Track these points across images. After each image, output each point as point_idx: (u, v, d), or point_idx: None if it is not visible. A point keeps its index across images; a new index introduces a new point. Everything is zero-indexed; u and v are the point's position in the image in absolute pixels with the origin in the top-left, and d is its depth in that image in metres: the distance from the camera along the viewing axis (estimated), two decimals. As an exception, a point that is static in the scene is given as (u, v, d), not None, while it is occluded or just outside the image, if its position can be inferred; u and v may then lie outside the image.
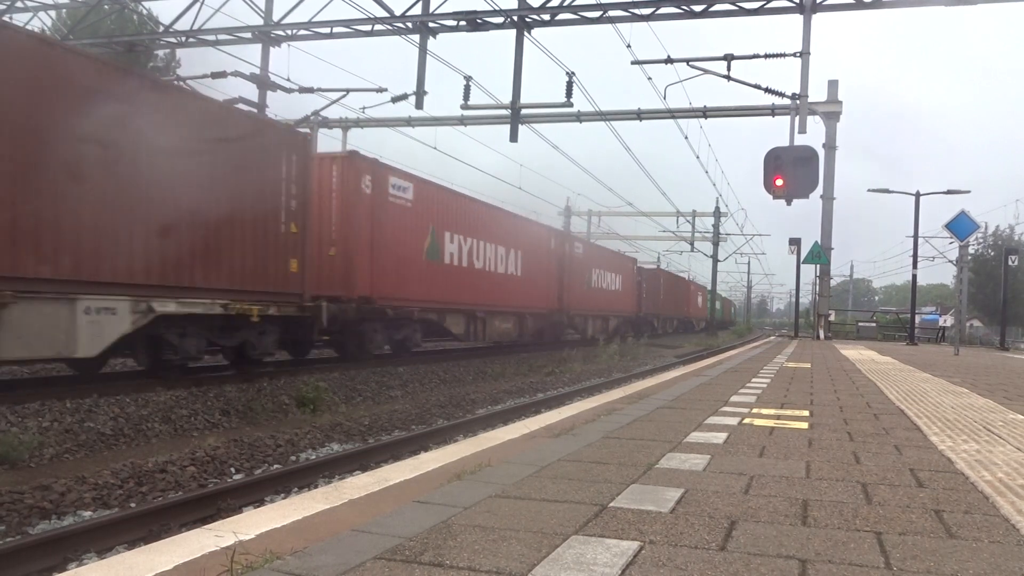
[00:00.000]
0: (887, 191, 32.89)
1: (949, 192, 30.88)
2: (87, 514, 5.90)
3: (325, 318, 13.11)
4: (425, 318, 17.21)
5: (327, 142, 23.24)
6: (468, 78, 18.75)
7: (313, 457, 8.30)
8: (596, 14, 16.01)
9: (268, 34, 17.99)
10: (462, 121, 22.04)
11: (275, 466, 7.84)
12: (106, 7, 20.94)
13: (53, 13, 21.10)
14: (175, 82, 16.61)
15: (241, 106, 15.80)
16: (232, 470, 7.58)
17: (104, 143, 9.13)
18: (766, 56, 17.11)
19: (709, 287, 56.94)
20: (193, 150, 10.40)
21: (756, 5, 15.51)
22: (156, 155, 9.70)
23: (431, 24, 16.64)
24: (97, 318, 8.76)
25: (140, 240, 9.55)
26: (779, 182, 16.25)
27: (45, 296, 8.26)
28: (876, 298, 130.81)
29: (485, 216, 20.06)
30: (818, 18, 15.84)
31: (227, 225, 10.97)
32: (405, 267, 15.84)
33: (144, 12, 21.28)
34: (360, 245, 14.26)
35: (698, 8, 15.69)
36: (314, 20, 17.53)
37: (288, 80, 18.92)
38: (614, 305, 33.05)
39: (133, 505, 6.19)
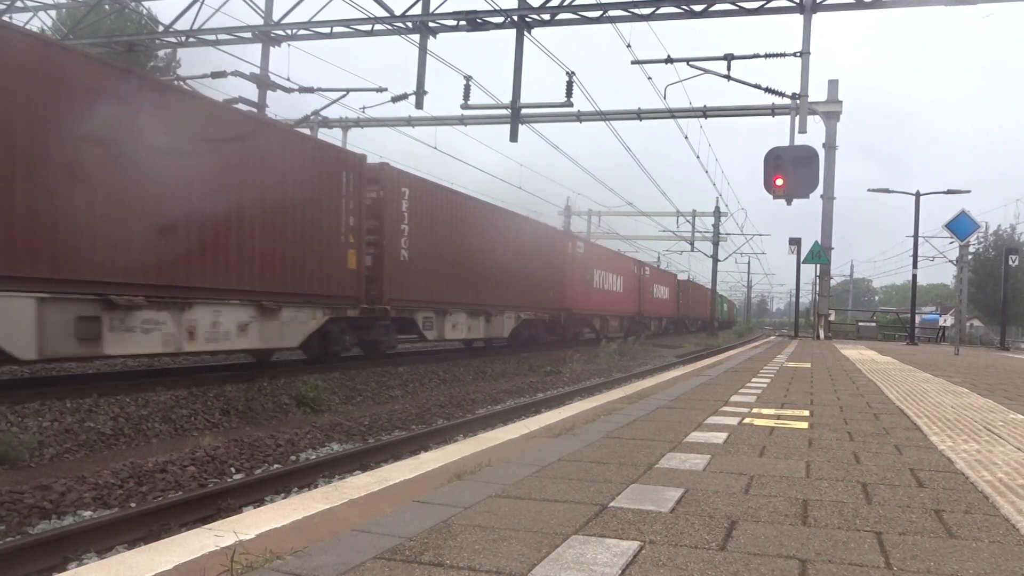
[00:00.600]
0: (887, 191, 32.91)
1: (949, 192, 30.88)
2: (87, 514, 5.89)
3: (564, 319, 25.98)
4: (588, 318, 29.77)
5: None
6: (468, 78, 18.75)
7: (313, 457, 8.30)
8: (596, 14, 16.01)
9: (268, 34, 17.99)
10: (462, 121, 22.05)
11: (275, 466, 7.84)
12: (106, 7, 20.95)
13: (53, 13, 21.10)
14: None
15: (241, 106, 15.80)
16: (232, 470, 7.58)
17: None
18: (766, 56, 17.11)
19: (709, 287, 56.98)
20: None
21: (756, 5, 15.51)
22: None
23: (431, 24, 16.64)
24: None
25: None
26: (779, 182, 16.25)
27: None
28: (876, 298, 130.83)
29: (607, 256, 33.37)
30: (818, 18, 15.85)
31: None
32: (580, 289, 27.42)
33: (144, 12, 21.29)
34: (565, 280, 25.56)
35: (698, 8, 15.69)
36: (314, 20, 17.53)
37: (288, 80, 18.94)
38: (665, 310, 46.52)
39: (133, 505, 6.19)
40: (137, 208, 9.32)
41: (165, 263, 9.68)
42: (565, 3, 16.05)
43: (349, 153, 14.44)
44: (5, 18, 17.96)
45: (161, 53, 24.25)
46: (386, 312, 14.73)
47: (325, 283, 12.91)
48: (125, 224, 9.16)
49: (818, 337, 27.71)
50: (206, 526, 2.52)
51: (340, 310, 13.42)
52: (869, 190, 38.68)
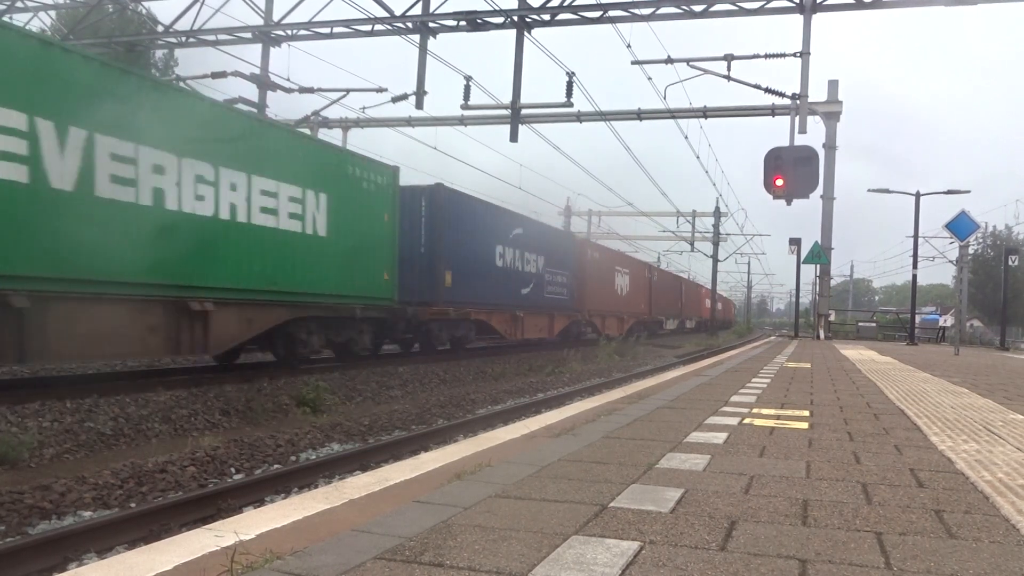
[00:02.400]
0: (887, 191, 32.89)
1: (949, 192, 30.89)
2: (87, 514, 5.89)
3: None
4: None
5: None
6: (468, 78, 18.75)
7: (313, 457, 8.29)
8: (596, 14, 16.01)
9: (268, 34, 17.99)
10: (462, 121, 22.05)
11: (275, 466, 7.83)
12: (109, 8, 20.94)
13: (53, 13, 21.10)
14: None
15: (241, 106, 15.82)
16: (232, 470, 7.57)
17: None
18: (766, 56, 17.12)
19: (709, 287, 56.97)
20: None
21: (756, 5, 15.51)
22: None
23: (431, 24, 16.64)
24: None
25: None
26: (779, 182, 16.26)
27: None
28: (876, 298, 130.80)
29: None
30: (818, 18, 15.85)
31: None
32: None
33: (144, 12, 21.29)
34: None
35: (698, 8, 15.69)
36: (314, 20, 17.53)
37: (288, 80, 18.95)
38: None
39: (133, 505, 6.18)
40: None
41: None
42: (565, 3, 16.06)
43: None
44: (5, 18, 17.96)
45: (159, 54, 24.25)
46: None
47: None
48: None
49: (818, 337, 27.71)
50: (206, 526, 2.52)
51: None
52: (869, 190, 38.71)
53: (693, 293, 56.69)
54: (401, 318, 15.78)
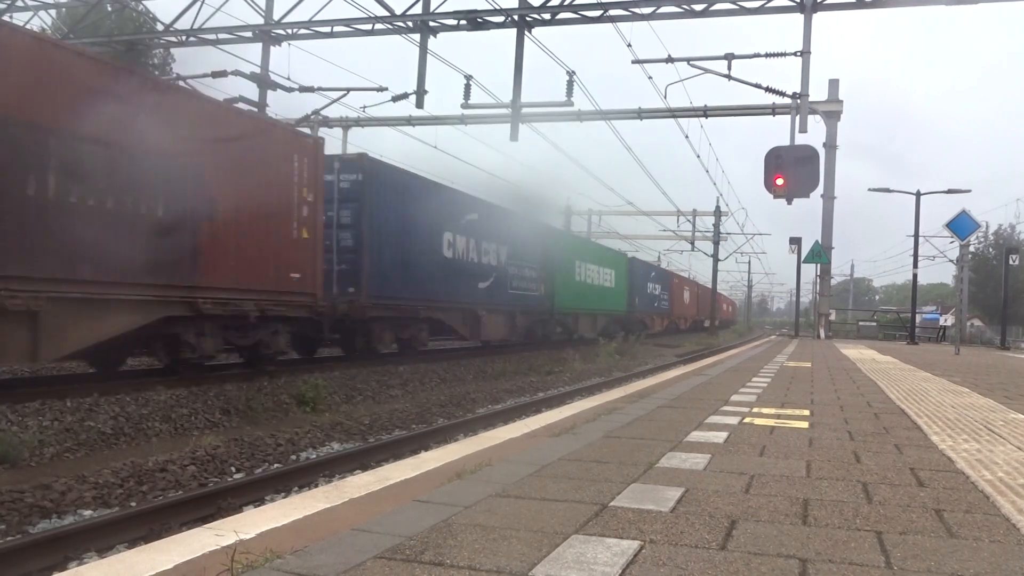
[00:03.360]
0: (888, 190, 32.88)
1: (950, 191, 30.88)
2: (87, 513, 5.89)
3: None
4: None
5: (328, 142, 23.18)
6: (469, 77, 18.74)
7: (313, 456, 8.30)
8: (597, 13, 15.99)
9: (268, 33, 17.98)
10: (463, 120, 22.01)
11: (275, 465, 7.84)
12: (108, 7, 20.94)
13: (53, 12, 21.08)
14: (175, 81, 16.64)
15: (242, 105, 15.80)
16: (232, 469, 7.58)
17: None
18: (767, 55, 17.09)
19: (709, 286, 56.99)
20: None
21: (757, 4, 15.49)
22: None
23: (431, 23, 16.62)
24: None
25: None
26: (780, 181, 16.23)
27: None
28: (876, 297, 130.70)
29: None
30: (819, 17, 15.83)
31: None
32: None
33: (144, 11, 21.28)
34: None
35: (699, 7, 15.67)
36: (314, 19, 17.51)
37: (288, 79, 18.92)
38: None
39: (133, 504, 6.19)
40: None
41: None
42: (566, 2, 16.04)
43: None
44: (5, 18, 17.95)
45: (156, 52, 24.24)
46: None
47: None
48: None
49: (819, 336, 27.71)
50: (206, 525, 2.52)
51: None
52: (869, 189, 38.56)
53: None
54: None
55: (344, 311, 13.84)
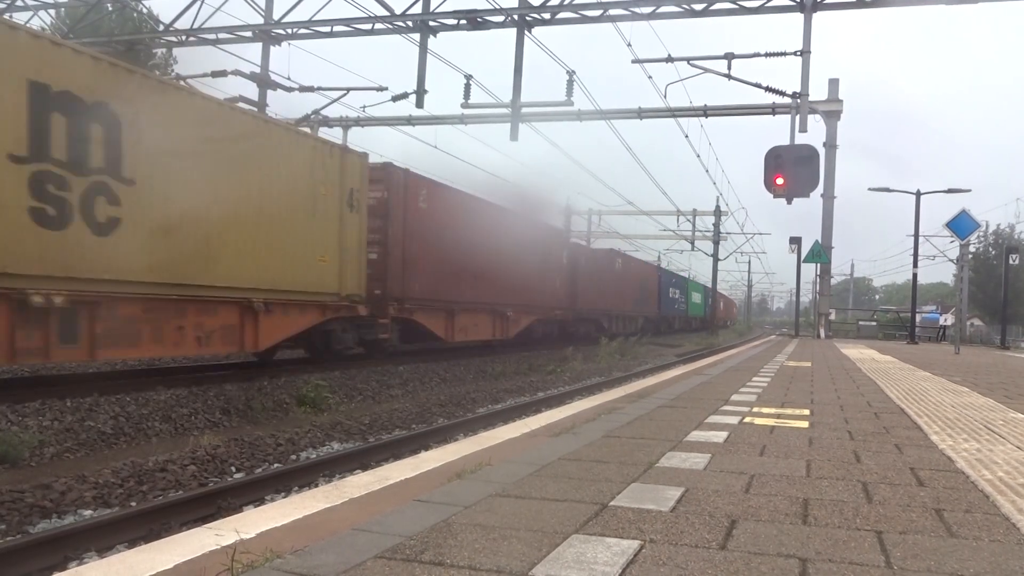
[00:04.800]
0: (888, 190, 32.89)
1: (950, 191, 30.86)
2: (88, 513, 5.89)
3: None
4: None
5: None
6: (469, 77, 18.75)
7: (313, 456, 8.30)
8: (597, 13, 15.99)
9: (268, 33, 17.98)
10: (462, 120, 22.00)
11: (275, 465, 7.84)
12: (108, 7, 20.93)
13: (53, 11, 21.09)
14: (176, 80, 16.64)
15: (243, 105, 15.80)
16: (232, 469, 7.57)
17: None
18: (767, 55, 17.10)
19: (710, 285, 57.03)
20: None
21: (757, 4, 15.49)
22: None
23: (431, 23, 16.63)
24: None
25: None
26: (780, 181, 16.24)
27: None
28: (876, 297, 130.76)
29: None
30: (820, 16, 15.84)
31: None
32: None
33: (144, 11, 21.28)
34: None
35: (698, 7, 15.67)
36: (314, 19, 17.52)
37: (288, 79, 18.94)
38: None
39: (134, 504, 6.19)
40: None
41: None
42: (566, 2, 16.04)
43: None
44: (5, 16, 17.94)
45: (158, 52, 24.23)
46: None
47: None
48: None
49: (818, 336, 27.71)
50: (206, 525, 2.52)
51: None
52: (870, 189, 38.43)
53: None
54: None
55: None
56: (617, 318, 32.81)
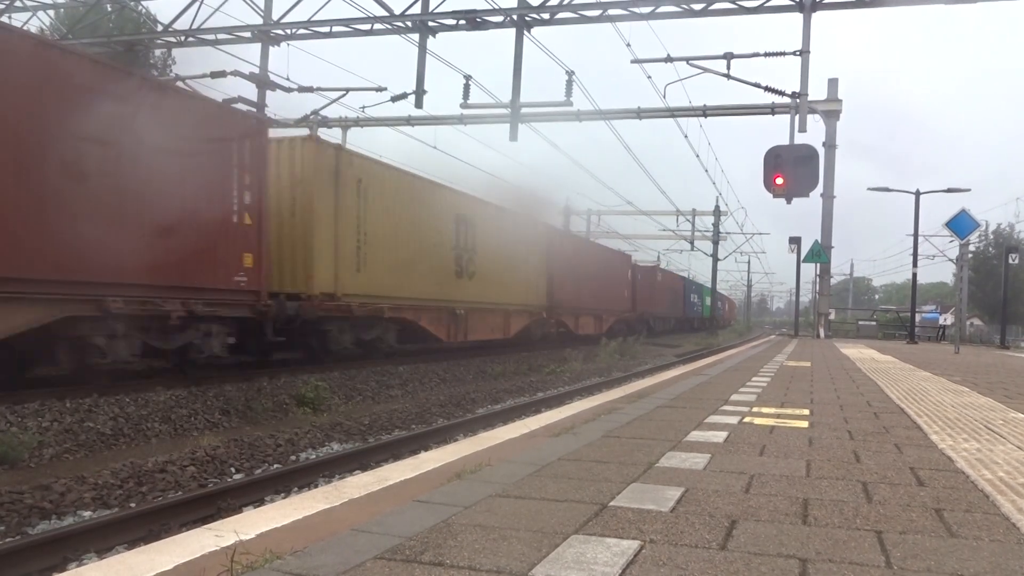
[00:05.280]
0: (887, 189, 32.90)
1: (949, 191, 30.87)
2: (87, 514, 5.89)
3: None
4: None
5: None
6: (468, 77, 18.75)
7: (313, 457, 8.30)
8: (596, 13, 15.99)
9: (267, 33, 17.98)
10: (462, 120, 21.99)
11: (275, 466, 7.84)
12: (108, 8, 20.92)
13: (52, 12, 21.08)
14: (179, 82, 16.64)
15: (241, 105, 15.80)
16: (232, 470, 7.57)
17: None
18: (766, 55, 17.10)
19: (709, 285, 57.10)
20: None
21: (756, 3, 15.49)
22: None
23: (431, 23, 16.62)
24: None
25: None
26: (779, 181, 16.25)
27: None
28: (876, 296, 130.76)
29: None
30: (820, 16, 15.84)
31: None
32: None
33: (143, 11, 21.27)
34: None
35: (698, 7, 15.67)
36: (313, 19, 17.52)
37: (287, 79, 18.92)
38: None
39: (133, 505, 6.19)
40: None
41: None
42: (565, 2, 16.04)
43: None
44: (4, 18, 17.94)
45: (157, 53, 24.22)
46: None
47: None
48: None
49: (818, 336, 27.71)
50: (206, 526, 2.52)
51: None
52: (869, 189, 38.45)
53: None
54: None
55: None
56: (659, 318, 43.52)
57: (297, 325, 12.99)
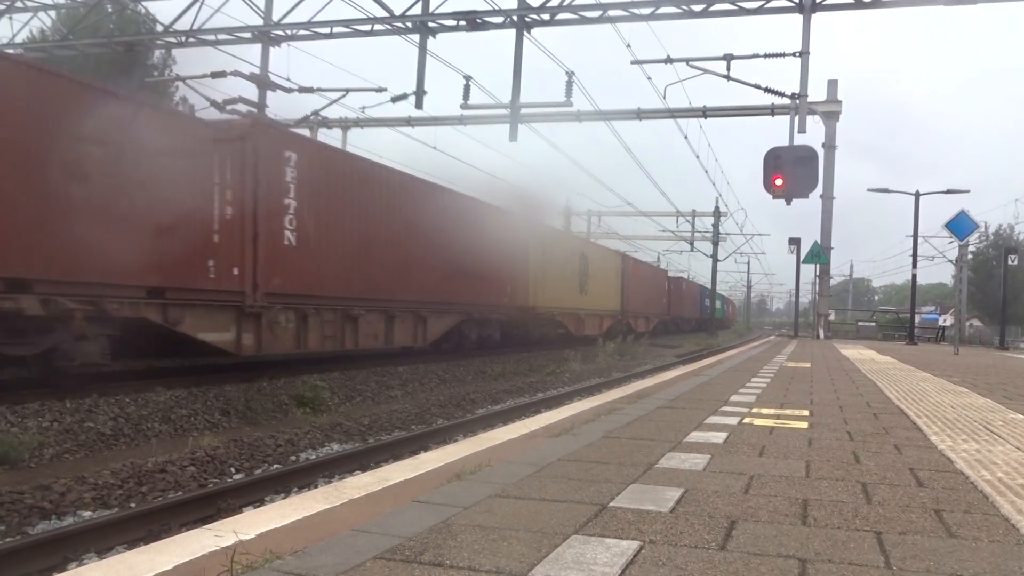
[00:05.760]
0: (887, 191, 32.90)
1: (949, 192, 30.89)
2: (87, 514, 5.89)
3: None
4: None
5: (328, 142, 23.13)
6: (468, 78, 18.76)
7: (313, 457, 8.30)
8: (596, 14, 16.00)
9: (268, 34, 17.98)
10: (462, 121, 22.02)
11: (275, 466, 7.84)
12: (108, 8, 20.92)
13: (53, 13, 21.08)
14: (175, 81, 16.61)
15: (240, 106, 15.80)
16: (232, 470, 7.58)
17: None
18: (766, 56, 17.11)
19: (709, 286, 57.13)
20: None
21: (755, 5, 15.50)
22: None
23: (431, 24, 16.63)
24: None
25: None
26: (779, 182, 16.24)
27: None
28: (876, 297, 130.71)
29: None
30: (821, 17, 15.85)
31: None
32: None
33: (143, 12, 21.27)
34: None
35: (697, 8, 15.68)
36: (314, 20, 17.52)
37: (288, 80, 18.93)
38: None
39: (133, 505, 6.19)
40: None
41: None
42: (565, 3, 16.05)
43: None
44: (5, 19, 17.94)
45: (157, 53, 24.23)
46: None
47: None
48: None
49: (818, 337, 27.72)
50: (206, 526, 2.52)
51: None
52: (869, 190, 38.49)
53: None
54: None
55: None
56: (684, 320, 53.58)
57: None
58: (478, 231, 17.55)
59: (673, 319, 48.65)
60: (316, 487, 5.66)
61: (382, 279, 14.21)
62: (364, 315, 13.79)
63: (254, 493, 6.64)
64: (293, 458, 8.28)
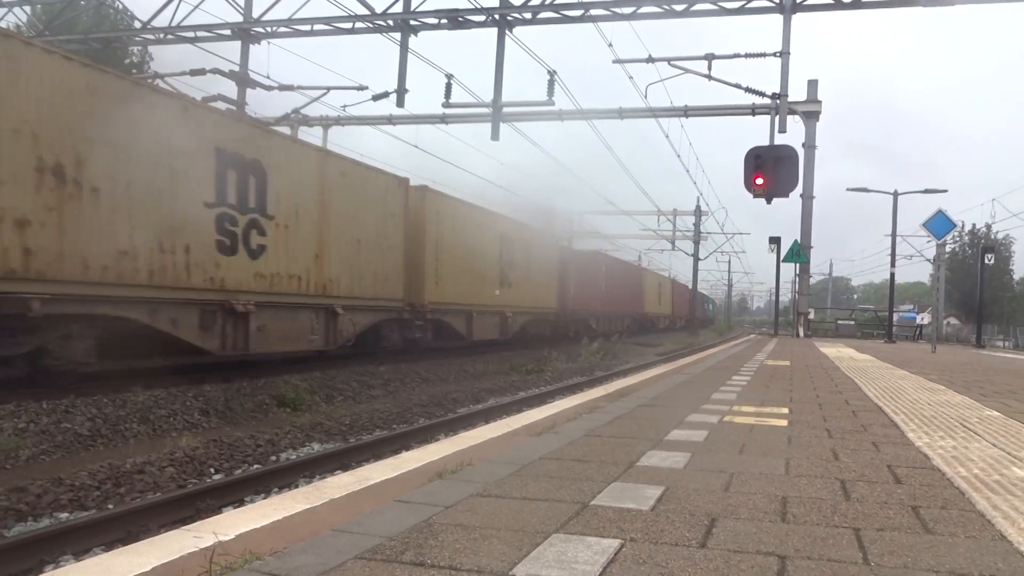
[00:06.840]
0: (865, 190, 33.20)
1: (927, 191, 31.25)
2: (64, 516, 5.83)
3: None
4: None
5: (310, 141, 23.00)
6: (450, 76, 18.73)
7: (293, 457, 8.25)
8: (577, 12, 16.04)
9: (248, 31, 17.86)
10: (444, 119, 21.97)
11: (255, 466, 7.78)
12: (82, 3, 20.69)
13: (28, 8, 20.81)
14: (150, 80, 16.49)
15: (220, 104, 15.70)
16: (212, 470, 7.51)
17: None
18: (747, 56, 17.23)
19: (691, 285, 57.49)
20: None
21: (736, 5, 15.59)
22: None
23: (412, 22, 16.60)
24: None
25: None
26: (759, 181, 16.35)
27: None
28: (855, 296, 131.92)
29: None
30: (807, 16, 15.97)
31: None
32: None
33: (120, 7, 21.07)
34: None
35: (679, 7, 15.75)
36: (294, 17, 17.44)
37: (268, 78, 18.83)
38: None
39: (111, 506, 6.12)
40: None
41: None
42: (547, 2, 16.07)
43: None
44: None
45: (135, 50, 23.99)
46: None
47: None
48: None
49: (798, 335, 27.92)
50: (185, 527, 2.50)
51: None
52: (848, 189, 38.75)
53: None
54: None
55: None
56: (683, 318, 59.82)
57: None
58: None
59: (677, 318, 57.82)
60: (297, 487, 5.62)
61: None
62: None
63: (234, 493, 6.59)
64: (273, 458, 8.23)
